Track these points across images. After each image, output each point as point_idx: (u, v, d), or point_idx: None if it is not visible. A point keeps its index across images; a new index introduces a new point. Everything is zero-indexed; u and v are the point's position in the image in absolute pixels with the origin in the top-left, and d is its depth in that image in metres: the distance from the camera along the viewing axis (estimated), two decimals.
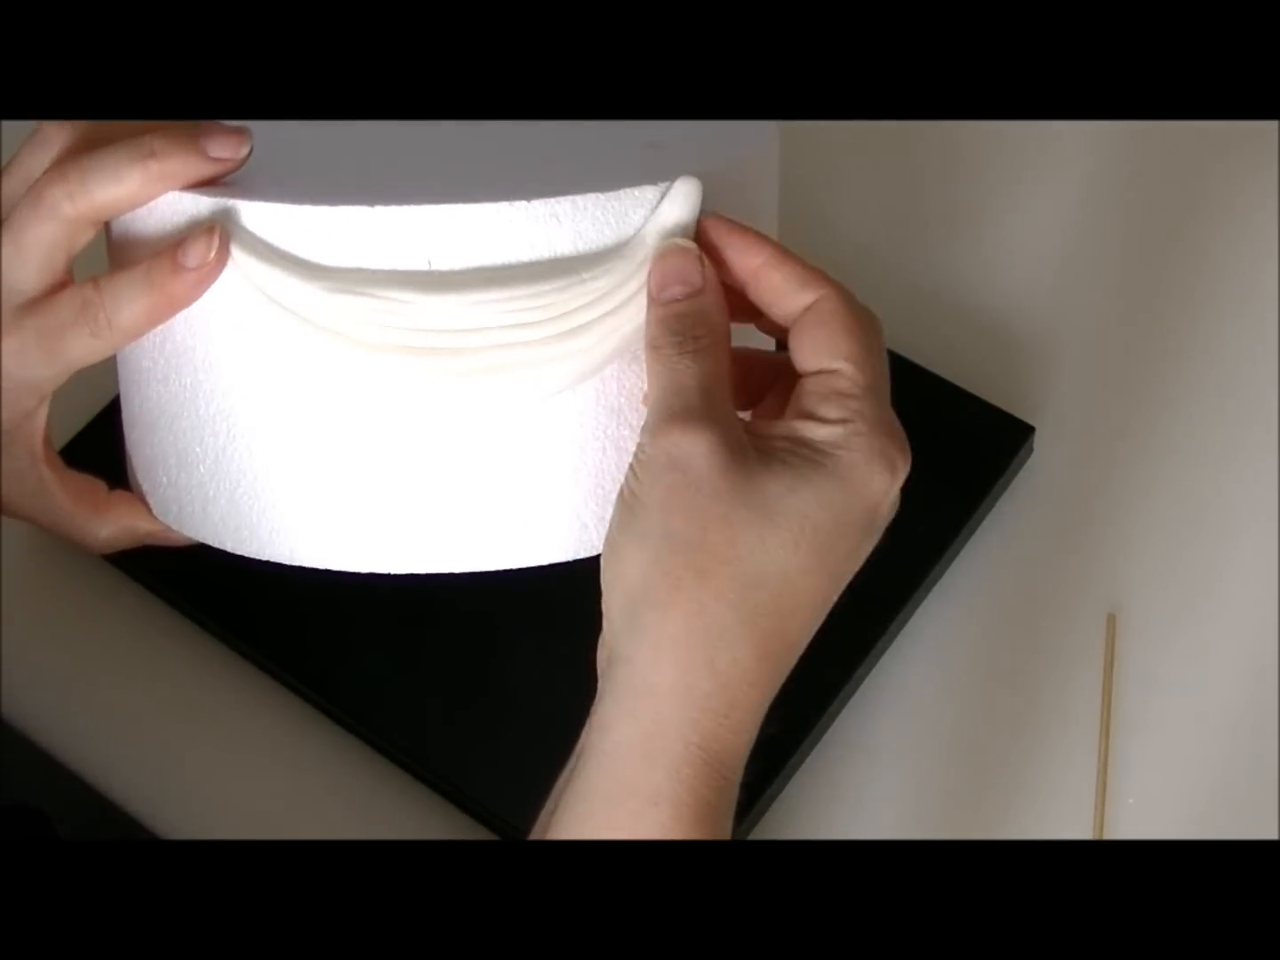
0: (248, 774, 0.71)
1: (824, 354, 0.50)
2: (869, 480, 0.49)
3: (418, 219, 0.51)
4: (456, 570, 0.55)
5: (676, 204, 0.52)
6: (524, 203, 0.51)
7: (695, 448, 0.48)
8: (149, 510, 0.59)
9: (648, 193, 0.52)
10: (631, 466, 0.49)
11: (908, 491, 0.58)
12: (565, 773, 0.51)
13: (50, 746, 0.72)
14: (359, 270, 0.51)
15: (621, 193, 0.52)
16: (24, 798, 0.66)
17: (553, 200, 0.51)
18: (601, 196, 0.52)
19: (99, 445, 0.61)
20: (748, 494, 0.48)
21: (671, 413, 0.49)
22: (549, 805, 0.51)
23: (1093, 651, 0.73)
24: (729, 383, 0.51)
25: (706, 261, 0.51)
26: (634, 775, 0.48)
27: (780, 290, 0.52)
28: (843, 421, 0.49)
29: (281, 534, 0.55)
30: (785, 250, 0.52)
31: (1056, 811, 0.69)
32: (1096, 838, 0.68)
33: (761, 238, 0.52)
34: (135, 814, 0.70)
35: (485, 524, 0.54)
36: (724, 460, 0.48)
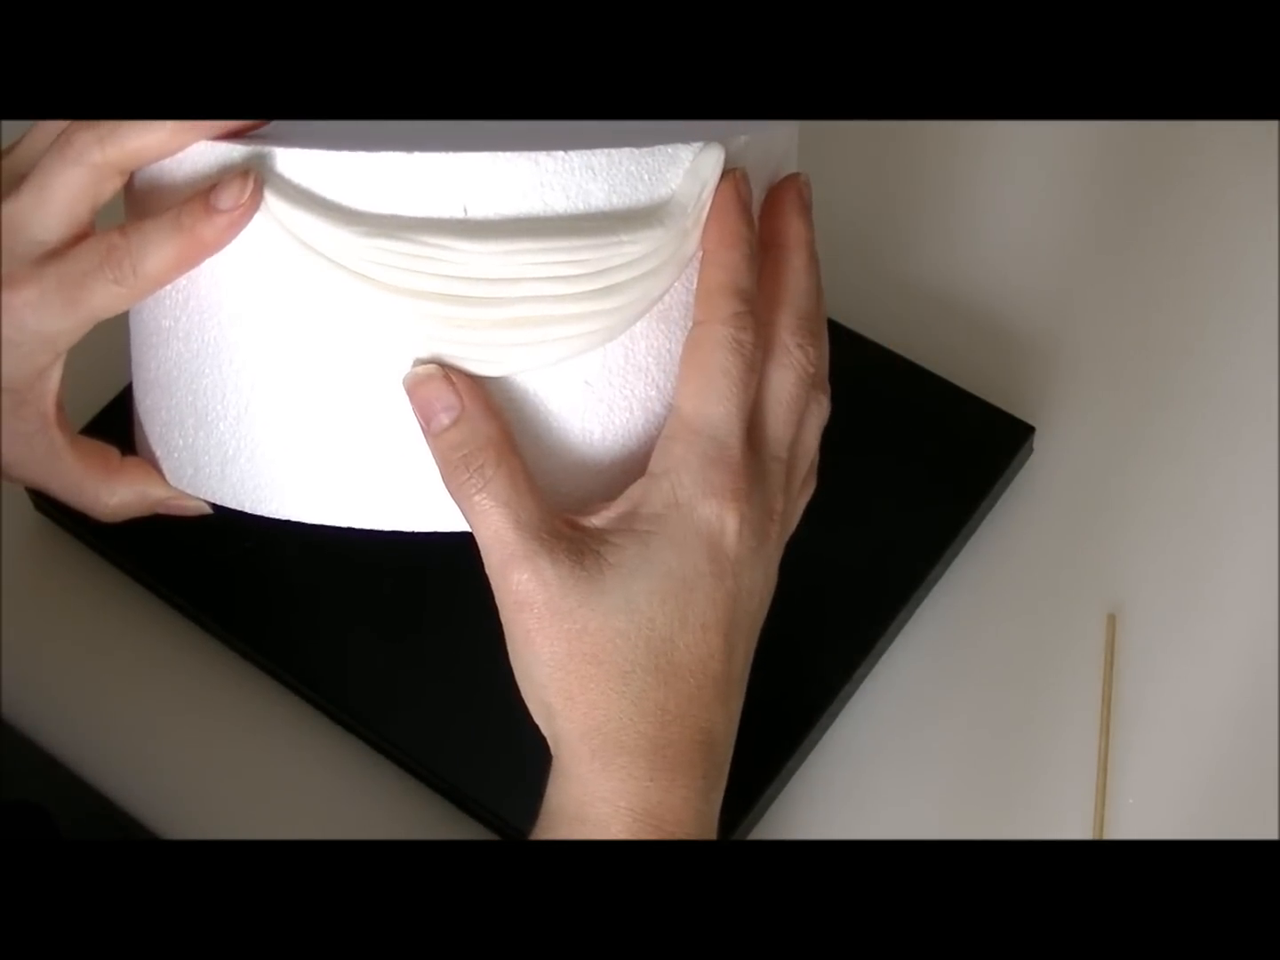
0: (248, 774, 0.71)
1: (678, 386, 0.53)
2: (700, 530, 0.52)
3: (454, 166, 0.51)
4: None
5: (707, 167, 0.53)
6: (560, 153, 0.52)
7: (534, 583, 0.51)
8: (161, 477, 0.58)
9: (681, 151, 0.53)
10: (499, 610, 0.53)
11: (907, 492, 0.58)
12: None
13: (50, 746, 0.72)
14: (394, 216, 0.51)
15: (655, 149, 0.53)
16: (24, 798, 0.66)
17: (588, 152, 0.52)
18: (636, 151, 0.52)
19: (107, 437, 0.60)
20: (597, 599, 0.51)
21: (502, 560, 0.52)
22: None
23: (1093, 651, 0.73)
24: (530, 485, 0.52)
25: (456, 378, 0.52)
26: (568, 832, 0.52)
27: (698, 287, 0.53)
28: (666, 473, 0.52)
29: (303, 492, 0.55)
30: (732, 260, 0.53)
31: (1056, 811, 0.69)
32: (1096, 838, 0.68)
33: (732, 234, 0.53)
34: (135, 814, 0.70)
35: None
36: (563, 580, 0.51)
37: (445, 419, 0.52)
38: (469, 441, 0.52)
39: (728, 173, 0.53)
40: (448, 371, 0.52)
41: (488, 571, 0.52)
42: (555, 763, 0.53)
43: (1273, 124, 0.88)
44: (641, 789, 0.52)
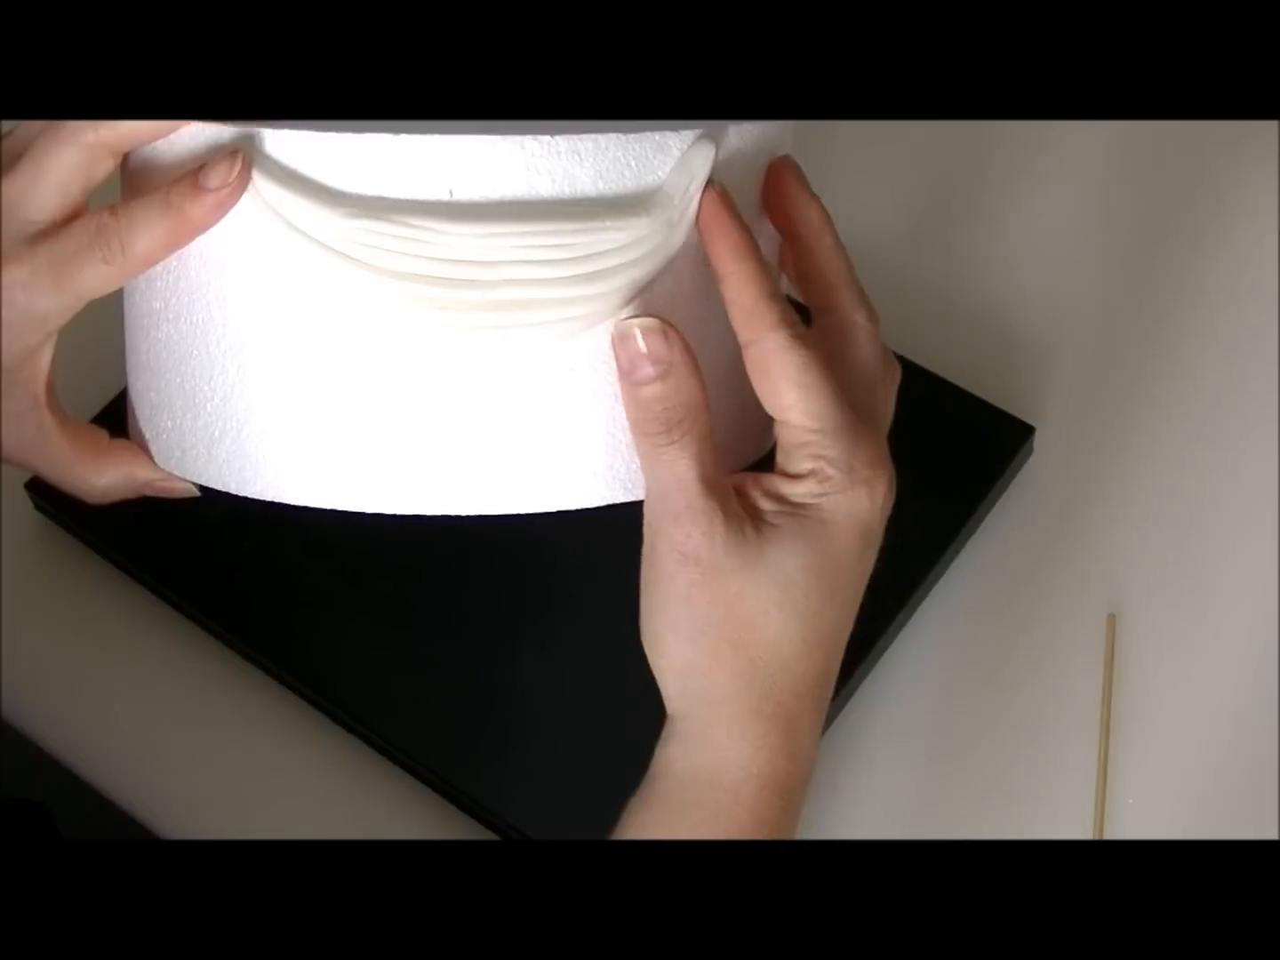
0: (248, 774, 0.71)
1: (771, 405, 0.53)
2: (853, 512, 0.53)
3: (441, 148, 0.51)
4: (464, 513, 0.55)
5: (697, 161, 0.53)
6: (547, 137, 0.52)
7: (704, 540, 0.52)
8: (149, 458, 0.58)
9: (669, 139, 0.53)
10: (646, 559, 0.53)
11: (908, 492, 0.58)
12: (634, 797, 0.54)
13: (50, 746, 0.72)
14: (381, 198, 0.52)
15: (643, 136, 0.53)
16: (24, 797, 0.66)
17: (575, 137, 0.52)
18: (623, 137, 0.52)
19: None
20: (757, 567, 0.52)
21: (676, 511, 0.52)
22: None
23: (1093, 651, 0.73)
24: (715, 446, 0.53)
25: (673, 333, 0.52)
26: (697, 795, 0.53)
27: (732, 307, 0.53)
28: (810, 473, 0.53)
29: (287, 473, 0.55)
30: (752, 270, 0.53)
31: (1056, 811, 0.69)
32: (1096, 838, 0.68)
33: (740, 247, 0.53)
34: (135, 814, 0.70)
35: (495, 466, 0.54)
36: (729, 542, 0.52)
37: (653, 371, 0.52)
38: (673, 397, 0.52)
39: (708, 187, 0.53)
40: (667, 327, 0.52)
41: (654, 520, 0.53)
42: (681, 723, 0.53)
43: (1273, 124, 0.88)
44: (771, 758, 0.53)
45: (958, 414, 0.78)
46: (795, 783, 0.54)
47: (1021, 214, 0.87)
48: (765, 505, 0.53)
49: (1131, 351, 0.82)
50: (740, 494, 0.53)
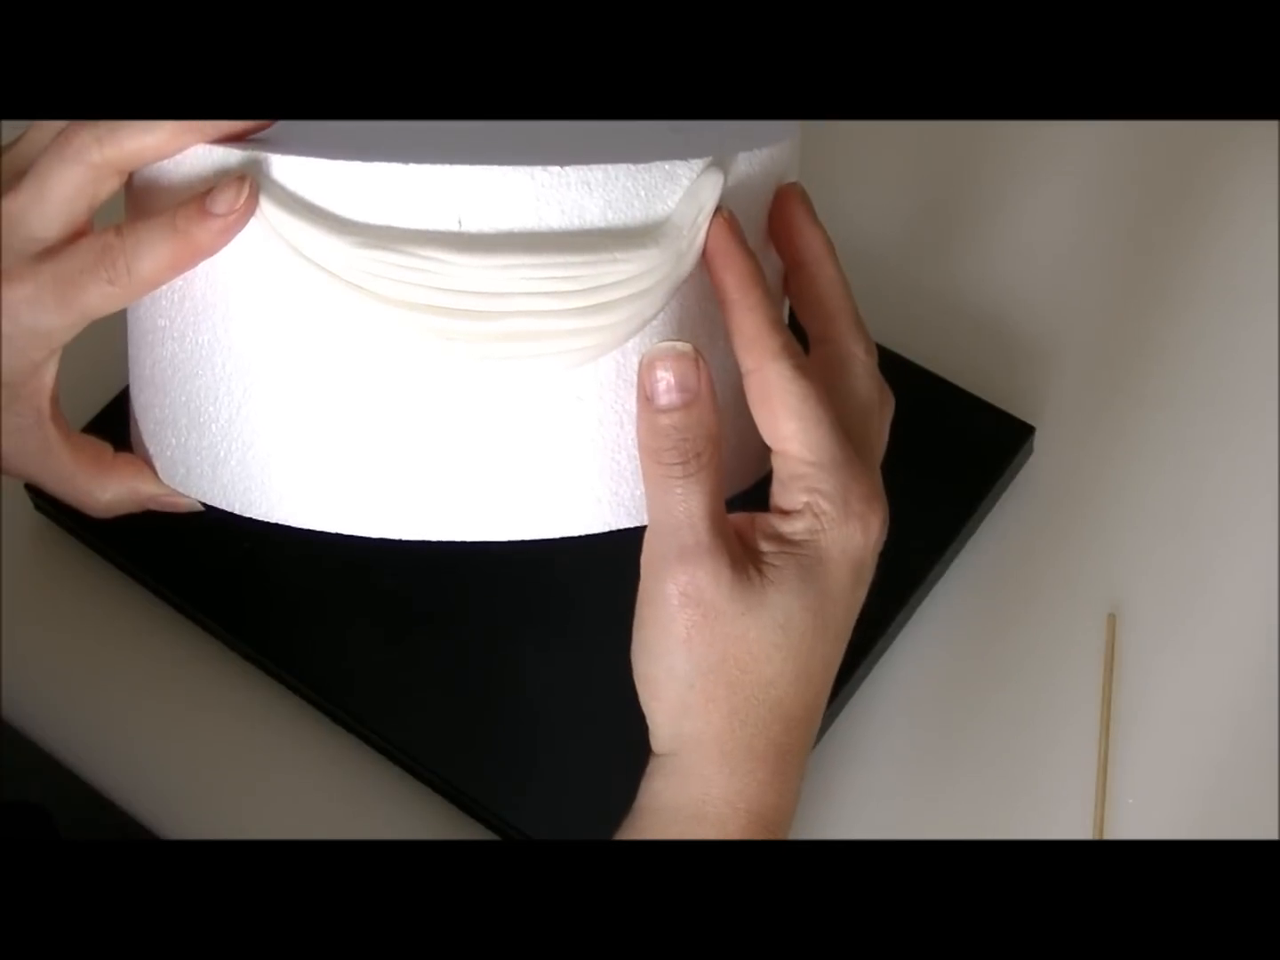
0: (248, 774, 0.71)
1: (769, 434, 0.53)
2: (847, 548, 0.53)
3: (450, 178, 0.51)
4: (468, 539, 0.55)
5: (705, 191, 0.53)
6: (557, 168, 0.51)
7: (709, 581, 0.51)
8: (154, 473, 0.58)
9: (679, 168, 0.53)
10: (645, 596, 0.52)
11: (908, 491, 0.59)
12: (619, 830, 0.54)
13: (50, 746, 0.72)
14: (389, 227, 0.51)
15: (653, 166, 0.52)
16: (24, 798, 0.66)
17: (585, 168, 0.52)
18: (633, 167, 0.52)
19: (106, 437, 0.60)
20: (759, 611, 0.52)
21: (683, 548, 0.52)
22: None
23: (1093, 651, 0.73)
24: (724, 488, 0.53)
25: (702, 364, 0.52)
26: (683, 830, 0.53)
27: (735, 334, 0.53)
28: (805, 507, 0.53)
29: (293, 496, 0.55)
30: (757, 299, 0.53)
31: (1056, 811, 0.69)
32: (1096, 838, 0.68)
33: (747, 275, 0.53)
34: (135, 814, 0.70)
35: (500, 492, 0.54)
36: (732, 585, 0.52)
37: (679, 399, 0.51)
38: (694, 428, 0.51)
39: (716, 213, 0.53)
40: (698, 355, 0.51)
41: (656, 557, 0.52)
42: (673, 760, 0.53)
43: (1273, 124, 0.88)
44: (760, 792, 0.53)
45: (958, 414, 0.78)
46: (781, 818, 0.54)
47: (1021, 214, 0.87)
48: (765, 546, 0.53)
49: (1131, 351, 0.82)
50: (740, 535, 0.53)
